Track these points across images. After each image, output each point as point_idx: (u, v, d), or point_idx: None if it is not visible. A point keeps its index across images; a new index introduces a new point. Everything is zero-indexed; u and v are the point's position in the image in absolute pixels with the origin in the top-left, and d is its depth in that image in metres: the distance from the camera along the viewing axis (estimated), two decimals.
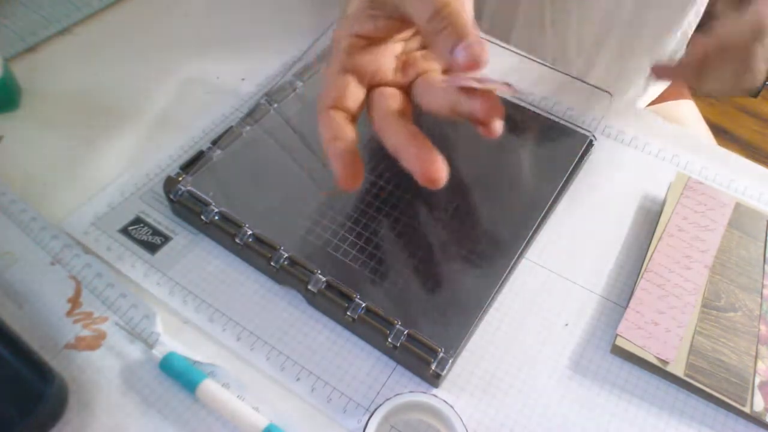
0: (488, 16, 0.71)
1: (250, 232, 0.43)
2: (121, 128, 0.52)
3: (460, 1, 0.31)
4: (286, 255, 0.42)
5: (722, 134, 1.74)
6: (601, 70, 0.72)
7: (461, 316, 0.40)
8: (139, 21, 0.63)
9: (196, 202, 0.44)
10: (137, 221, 0.46)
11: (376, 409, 0.36)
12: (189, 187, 0.45)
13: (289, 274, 0.41)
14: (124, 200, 0.47)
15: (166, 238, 0.45)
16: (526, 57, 0.59)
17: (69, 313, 0.41)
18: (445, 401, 0.36)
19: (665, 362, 0.40)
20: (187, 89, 0.56)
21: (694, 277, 0.44)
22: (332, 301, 0.40)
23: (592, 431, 0.38)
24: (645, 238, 0.48)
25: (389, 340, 0.38)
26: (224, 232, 0.43)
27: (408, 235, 0.45)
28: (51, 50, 0.59)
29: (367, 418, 0.35)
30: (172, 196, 0.45)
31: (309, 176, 0.48)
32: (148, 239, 0.45)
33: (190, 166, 0.46)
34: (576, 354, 0.41)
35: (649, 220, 0.49)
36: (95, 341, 0.40)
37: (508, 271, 0.43)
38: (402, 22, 0.35)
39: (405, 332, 0.38)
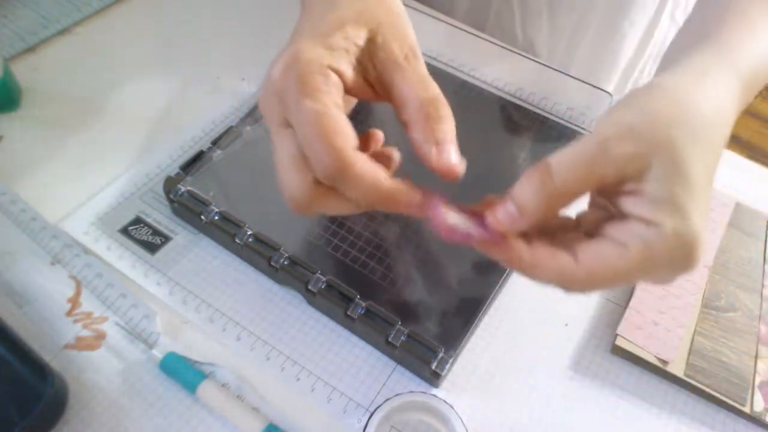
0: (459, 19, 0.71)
1: (250, 232, 0.43)
2: (121, 128, 0.52)
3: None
4: (286, 255, 0.42)
5: None
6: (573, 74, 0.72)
7: (461, 316, 0.40)
8: (139, 21, 0.62)
9: (196, 202, 0.44)
10: (137, 221, 0.46)
11: (376, 409, 0.36)
12: (189, 187, 0.45)
13: (289, 274, 0.41)
14: (124, 200, 0.47)
15: (166, 238, 0.45)
16: (527, 57, 0.59)
17: (69, 313, 0.41)
18: (445, 401, 0.36)
19: (665, 362, 0.40)
20: (187, 89, 0.56)
21: (694, 277, 0.44)
22: (332, 301, 0.40)
23: (591, 431, 0.38)
24: None
25: (389, 339, 0.38)
26: (224, 232, 0.43)
27: (408, 235, 0.45)
28: (51, 50, 0.59)
29: (367, 418, 0.35)
30: (172, 196, 0.44)
31: None
32: (148, 239, 0.45)
33: (190, 166, 0.46)
34: (576, 354, 0.41)
35: None
36: (95, 341, 0.40)
37: (508, 271, 0.42)
38: (373, 89, 0.31)
39: (405, 332, 0.38)
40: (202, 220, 0.44)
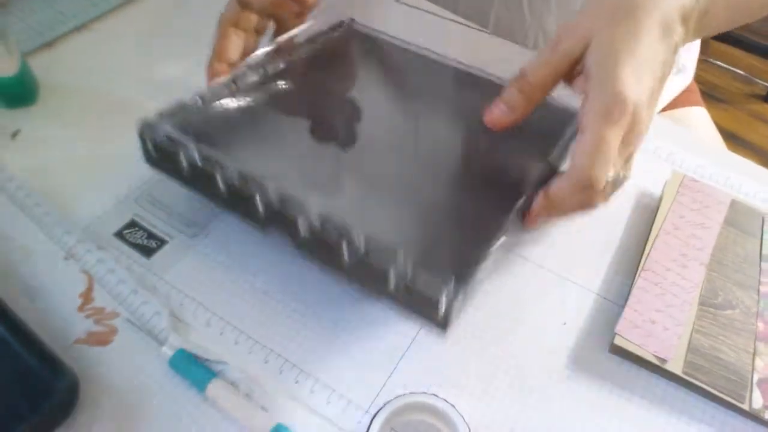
0: None
1: (234, 173, 0.39)
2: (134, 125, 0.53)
3: None
4: (275, 191, 0.38)
5: (733, 140, 1.73)
6: None
7: (470, 248, 0.38)
8: (156, 18, 0.63)
9: (174, 145, 0.41)
10: (132, 224, 0.46)
11: (377, 412, 0.35)
12: (168, 132, 0.41)
13: (276, 219, 0.38)
14: (118, 203, 0.47)
15: (161, 242, 0.45)
16: (526, 48, 0.59)
17: (81, 308, 0.41)
18: (446, 401, 0.36)
19: (664, 360, 0.40)
20: (205, 85, 0.56)
21: (691, 274, 0.44)
22: (326, 244, 0.37)
23: (591, 430, 0.38)
24: (642, 236, 0.48)
25: (391, 283, 0.36)
26: (206, 175, 0.40)
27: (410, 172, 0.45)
28: (68, 46, 0.59)
29: (367, 420, 0.35)
30: (148, 142, 0.42)
31: (297, 128, 0.48)
32: (144, 243, 0.45)
33: (170, 115, 0.44)
34: (575, 353, 0.42)
35: (646, 218, 0.49)
36: (106, 337, 0.40)
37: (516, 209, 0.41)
38: None
39: (409, 269, 0.35)
40: (181, 164, 0.41)
